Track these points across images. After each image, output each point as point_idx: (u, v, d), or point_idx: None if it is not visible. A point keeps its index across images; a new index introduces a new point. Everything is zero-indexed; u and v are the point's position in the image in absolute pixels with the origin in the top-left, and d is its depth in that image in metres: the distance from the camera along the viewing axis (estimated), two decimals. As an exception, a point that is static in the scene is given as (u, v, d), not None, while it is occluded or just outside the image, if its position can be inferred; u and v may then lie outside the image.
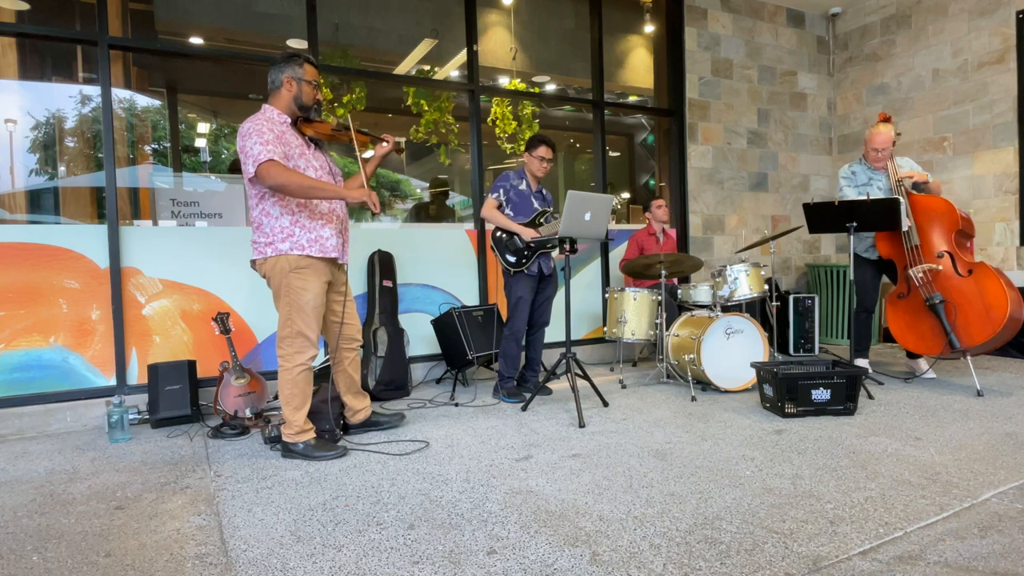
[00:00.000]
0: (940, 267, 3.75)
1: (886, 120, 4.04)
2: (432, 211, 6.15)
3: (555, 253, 3.76)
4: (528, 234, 3.60)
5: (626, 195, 6.64)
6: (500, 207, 3.72)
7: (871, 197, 3.76)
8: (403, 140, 2.90)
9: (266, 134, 2.55)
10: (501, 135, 5.45)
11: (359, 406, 3.05)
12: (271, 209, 2.64)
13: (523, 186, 3.76)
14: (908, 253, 3.85)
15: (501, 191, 3.72)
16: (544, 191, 3.89)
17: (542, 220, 3.71)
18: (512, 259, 3.65)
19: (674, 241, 5.07)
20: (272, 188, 2.53)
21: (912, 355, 4.17)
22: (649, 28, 5.84)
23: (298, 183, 2.51)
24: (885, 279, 4.30)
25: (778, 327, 5.22)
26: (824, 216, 3.82)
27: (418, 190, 6.46)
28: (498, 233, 3.71)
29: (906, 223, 3.71)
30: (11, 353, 3.35)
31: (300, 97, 2.70)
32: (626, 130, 6.67)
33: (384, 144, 2.87)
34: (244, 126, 2.59)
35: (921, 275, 3.80)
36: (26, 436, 3.24)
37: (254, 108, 2.75)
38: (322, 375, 3.55)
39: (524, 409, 3.49)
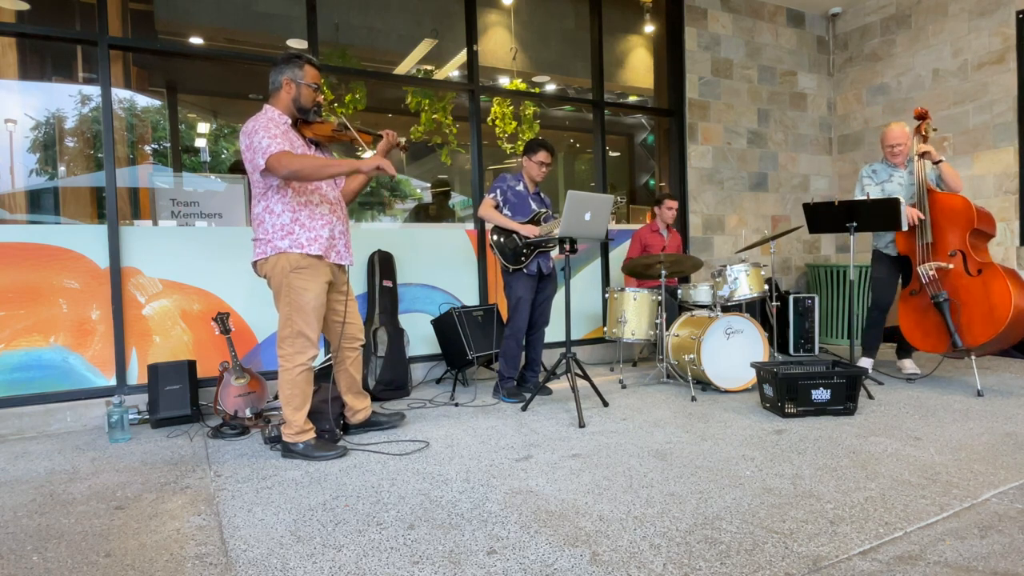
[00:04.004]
0: (951, 265, 3.73)
1: (921, 116, 3.95)
2: (432, 211, 6.15)
3: (555, 253, 3.76)
4: (529, 230, 3.59)
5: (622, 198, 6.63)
6: (497, 207, 3.72)
7: (870, 197, 3.76)
8: (404, 140, 2.91)
9: (272, 129, 2.59)
10: (501, 135, 5.45)
11: (359, 406, 3.05)
12: (274, 206, 2.64)
13: (520, 187, 3.75)
14: (920, 250, 3.85)
15: (498, 191, 3.72)
16: (542, 194, 3.88)
17: (541, 220, 3.71)
18: (510, 257, 3.65)
19: (679, 238, 5.03)
20: (287, 176, 2.54)
21: (901, 355, 4.20)
22: (649, 28, 5.84)
23: (312, 165, 2.54)
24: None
25: (778, 327, 5.21)
26: (824, 216, 3.82)
27: (418, 190, 6.46)
28: (495, 234, 3.71)
29: (907, 220, 3.69)
30: (11, 353, 3.35)
31: (299, 99, 2.70)
32: (626, 130, 6.67)
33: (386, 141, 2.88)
34: (248, 124, 2.62)
35: (932, 273, 3.79)
36: (26, 436, 3.24)
37: (254, 108, 2.76)
38: (322, 375, 3.55)
39: (524, 409, 3.49)
